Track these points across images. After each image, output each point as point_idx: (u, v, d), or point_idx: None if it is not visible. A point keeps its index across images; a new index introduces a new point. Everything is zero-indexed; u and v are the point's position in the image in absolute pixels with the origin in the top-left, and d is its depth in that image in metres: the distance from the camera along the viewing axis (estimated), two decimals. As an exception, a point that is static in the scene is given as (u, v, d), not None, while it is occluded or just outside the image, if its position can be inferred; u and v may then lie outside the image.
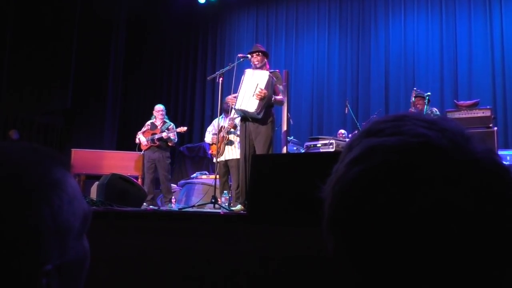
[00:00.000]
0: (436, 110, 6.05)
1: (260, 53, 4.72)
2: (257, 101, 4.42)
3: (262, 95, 4.39)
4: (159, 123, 6.51)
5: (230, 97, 4.94)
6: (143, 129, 6.55)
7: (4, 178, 0.52)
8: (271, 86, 4.51)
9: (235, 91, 4.80)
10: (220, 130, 5.69)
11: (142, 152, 6.42)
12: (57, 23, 8.50)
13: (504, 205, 0.43)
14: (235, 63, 4.85)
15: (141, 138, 6.42)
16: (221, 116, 5.87)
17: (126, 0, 9.69)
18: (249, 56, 4.96)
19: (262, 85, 4.46)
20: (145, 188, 6.23)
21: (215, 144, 5.64)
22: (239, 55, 4.96)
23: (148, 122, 6.59)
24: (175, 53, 10.27)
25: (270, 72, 4.64)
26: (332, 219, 0.48)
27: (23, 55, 8.03)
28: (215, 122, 5.94)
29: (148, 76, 10.21)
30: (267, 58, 4.80)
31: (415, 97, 6.09)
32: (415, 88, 6.27)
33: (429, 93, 6.01)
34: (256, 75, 4.59)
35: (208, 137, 6.02)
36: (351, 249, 0.46)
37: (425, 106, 5.79)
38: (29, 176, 0.53)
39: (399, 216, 0.43)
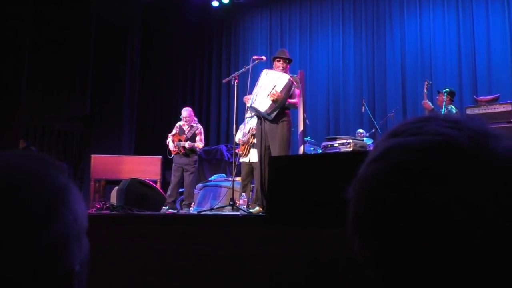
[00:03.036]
0: (453, 107, 5.84)
1: (287, 60, 4.70)
2: (270, 102, 4.39)
3: (275, 97, 4.36)
4: (187, 127, 6.48)
5: (247, 96, 4.93)
6: (173, 131, 6.51)
7: (25, 189, 0.52)
8: (287, 91, 4.47)
9: (251, 92, 4.80)
10: (248, 131, 5.69)
11: (172, 156, 6.43)
12: (74, 31, 8.64)
13: None
14: (250, 65, 4.85)
15: (170, 144, 6.41)
16: (252, 115, 5.88)
17: (140, 6, 9.80)
18: (263, 58, 4.96)
19: (279, 87, 4.43)
20: (169, 190, 6.30)
21: (241, 144, 5.64)
22: (253, 57, 4.96)
23: (178, 124, 6.56)
24: (190, 57, 10.34)
25: (290, 76, 4.62)
26: (353, 218, 0.50)
27: (41, 64, 8.17)
28: (246, 121, 5.90)
29: (164, 80, 10.31)
30: (290, 64, 4.79)
31: (438, 92, 6.03)
32: (428, 81, 6.25)
33: (447, 89, 5.91)
34: (276, 76, 4.55)
35: (237, 136, 5.82)
36: (369, 245, 0.48)
37: (443, 102, 5.70)
38: (46, 184, 0.54)
39: (414, 213, 0.44)
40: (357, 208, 0.49)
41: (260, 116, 4.59)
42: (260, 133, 4.57)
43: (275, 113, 4.44)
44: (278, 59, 4.68)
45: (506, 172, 0.44)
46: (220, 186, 6.61)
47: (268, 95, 4.41)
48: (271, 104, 4.39)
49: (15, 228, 0.50)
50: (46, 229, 0.52)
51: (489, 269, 0.43)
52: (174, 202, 6.26)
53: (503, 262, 0.43)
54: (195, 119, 6.70)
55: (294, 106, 4.73)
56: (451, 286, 0.43)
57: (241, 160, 5.59)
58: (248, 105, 4.71)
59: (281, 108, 4.50)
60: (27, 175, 0.54)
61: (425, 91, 6.03)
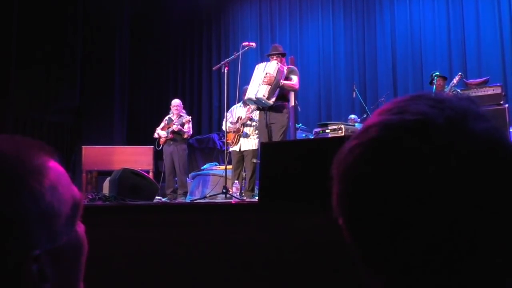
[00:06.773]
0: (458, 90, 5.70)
1: (279, 55, 4.81)
2: (265, 86, 4.52)
3: (267, 79, 4.49)
4: (175, 117, 6.50)
5: (247, 87, 5.06)
6: (161, 124, 6.55)
7: None
8: (278, 73, 4.59)
9: (242, 79, 4.93)
10: (237, 121, 5.68)
11: (161, 147, 6.44)
12: (62, 22, 8.51)
13: (490, 184, 0.43)
14: (240, 52, 4.85)
15: (160, 132, 6.44)
16: (239, 105, 5.85)
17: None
18: (253, 44, 5.01)
19: (270, 71, 4.59)
20: (166, 182, 6.31)
21: (230, 132, 5.63)
22: (243, 43, 4.95)
23: (166, 117, 6.61)
24: (179, 45, 10.25)
25: (288, 67, 4.78)
26: (334, 197, 0.51)
27: (29, 56, 8.06)
28: (232, 109, 5.88)
29: (154, 69, 10.22)
30: (284, 57, 4.90)
31: (437, 76, 5.85)
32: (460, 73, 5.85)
33: (437, 73, 5.93)
34: (265, 65, 4.72)
35: (225, 125, 5.80)
36: (349, 224, 0.49)
37: (433, 86, 5.72)
38: (7, 164, 0.54)
39: (386, 189, 0.45)
40: (337, 187, 0.50)
41: (263, 107, 4.68)
42: (263, 122, 4.70)
43: (273, 98, 4.56)
44: (271, 56, 4.82)
45: (480, 153, 0.44)
46: (213, 175, 6.62)
47: (261, 82, 4.55)
48: (266, 88, 4.51)
49: None
50: (4, 197, 0.52)
51: (462, 243, 0.43)
52: (174, 191, 6.26)
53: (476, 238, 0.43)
54: (184, 111, 6.72)
55: (292, 88, 4.84)
56: (423, 259, 0.44)
57: (230, 149, 5.58)
58: (245, 97, 4.89)
59: (280, 95, 4.59)
60: None
61: (455, 82, 5.64)
